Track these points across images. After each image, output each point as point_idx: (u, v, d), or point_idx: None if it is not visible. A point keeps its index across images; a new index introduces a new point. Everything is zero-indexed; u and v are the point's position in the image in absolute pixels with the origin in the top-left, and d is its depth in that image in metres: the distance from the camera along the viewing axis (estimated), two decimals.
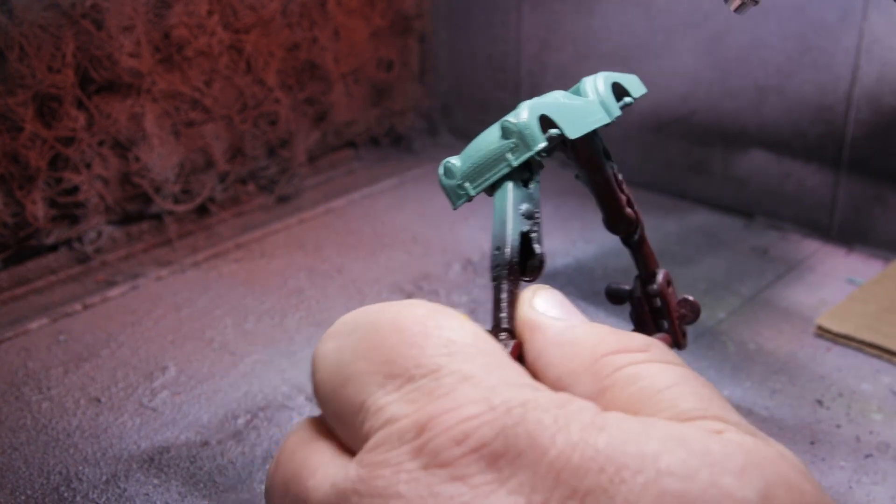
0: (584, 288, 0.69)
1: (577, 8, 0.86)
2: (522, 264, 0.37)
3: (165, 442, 0.52)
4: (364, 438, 0.27)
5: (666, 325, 0.47)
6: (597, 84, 0.42)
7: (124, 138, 0.72)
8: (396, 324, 0.29)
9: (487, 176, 0.37)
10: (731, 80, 0.79)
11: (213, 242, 0.77)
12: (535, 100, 0.38)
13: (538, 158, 0.37)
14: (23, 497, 0.48)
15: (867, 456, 0.51)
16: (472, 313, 0.66)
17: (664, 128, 0.84)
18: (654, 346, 0.30)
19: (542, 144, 0.36)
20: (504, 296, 0.34)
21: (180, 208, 0.77)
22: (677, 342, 0.46)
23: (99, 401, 0.56)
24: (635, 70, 0.86)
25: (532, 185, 0.37)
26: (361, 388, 0.28)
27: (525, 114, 0.37)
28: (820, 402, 0.56)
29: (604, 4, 0.84)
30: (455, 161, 0.38)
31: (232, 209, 0.82)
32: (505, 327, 0.33)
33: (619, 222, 0.45)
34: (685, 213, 0.82)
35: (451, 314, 0.29)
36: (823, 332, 0.62)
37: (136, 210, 0.75)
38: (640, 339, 0.30)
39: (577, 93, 0.43)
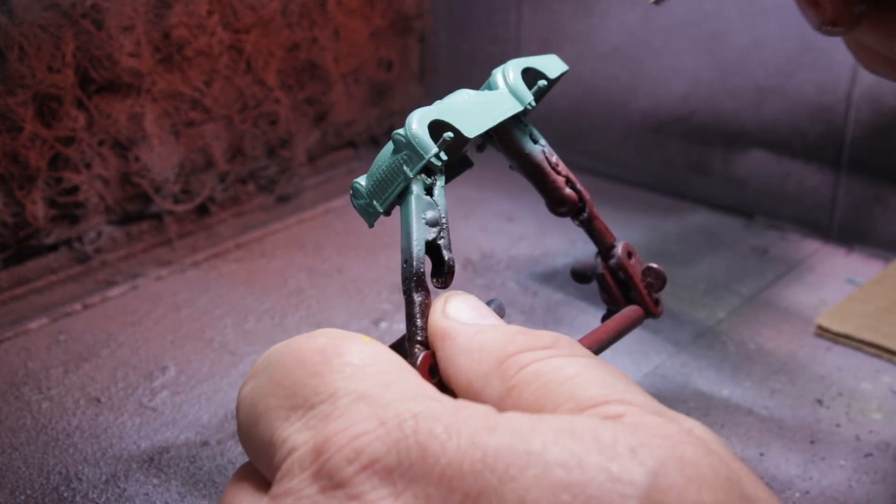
0: (584, 288, 0.69)
1: (576, 8, 0.86)
2: (437, 272, 0.37)
3: (165, 442, 0.52)
4: (275, 472, 0.27)
5: (635, 296, 0.47)
6: (506, 73, 0.42)
7: (124, 138, 0.72)
8: (299, 357, 0.29)
9: (389, 190, 0.38)
10: (730, 79, 0.79)
11: (213, 242, 0.77)
12: (428, 107, 0.38)
13: (438, 164, 0.37)
14: (22, 497, 0.48)
15: (867, 455, 0.51)
16: None
17: (664, 128, 0.84)
18: (560, 342, 0.30)
19: (434, 150, 0.37)
20: (416, 308, 0.35)
21: (180, 208, 0.77)
22: (650, 312, 0.46)
23: (99, 401, 0.56)
24: (635, 70, 0.87)
25: (436, 191, 0.38)
26: (269, 424, 0.28)
27: (414, 124, 0.37)
28: (820, 402, 0.56)
29: (603, 4, 0.84)
30: (361, 181, 0.39)
31: (232, 209, 0.82)
32: (418, 339, 0.34)
33: (561, 204, 0.45)
34: (685, 213, 0.82)
35: (352, 338, 0.30)
36: (823, 332, 0.62)
37: (136, 210, 0.75)
38: (547, 336, 0.30)
39: (490, 86, 0.43)
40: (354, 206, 0.39)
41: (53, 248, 0.71)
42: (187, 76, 0.75)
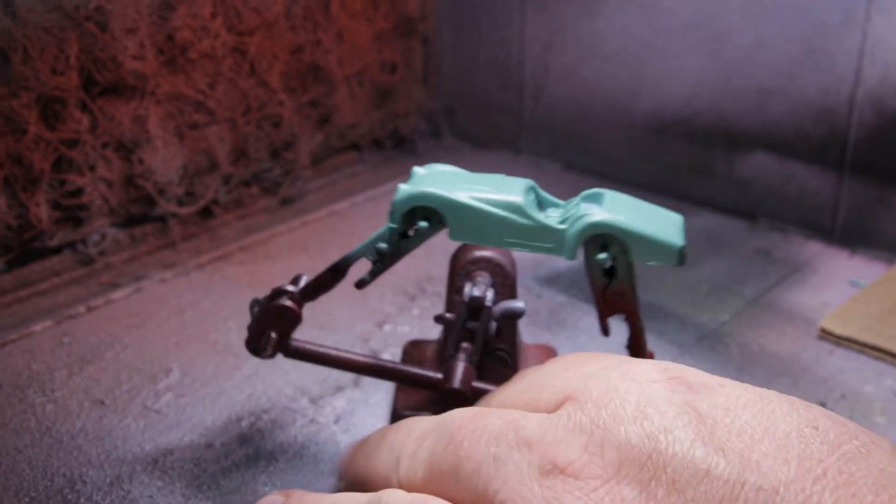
0: (587, 290, 0.69)
1: (580, 10, 0.86)
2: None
3: (169, 444, 0.52)
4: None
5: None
6: (578, 218, 0.39)
7: (128, 140, 0.72)
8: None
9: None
10: (734, 81, 0.79)
11: (217, 245, 0.78)
12: (439, 186, 0.41)
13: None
14: (27, 499, 0.48)
15: None
16: None
17: (667, 129, 0.84)
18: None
19: (395, 227, 0.42)
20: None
21: (184, 210, 0.77)
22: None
23: (103, 403, 0.56)
24: (638, 71, 0.87)
25: (412, 236, 0.42)
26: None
27: (420, 191, 0.41)
28: (823, 405, 0.56)
29: (607, 6, 0.84)
30: (416, 176, 0.44)
31: (235, 211, 0.82)
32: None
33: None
34: (688, 214, 0.82)
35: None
36: (826, 335, 0.62)
37: (140, 212, 0.75)
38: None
39: (574, 202, 0.41)
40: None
41: (57, 250, 0.71)
42: (191, 78, 0.75)
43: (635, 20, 0.83)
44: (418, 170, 0.45)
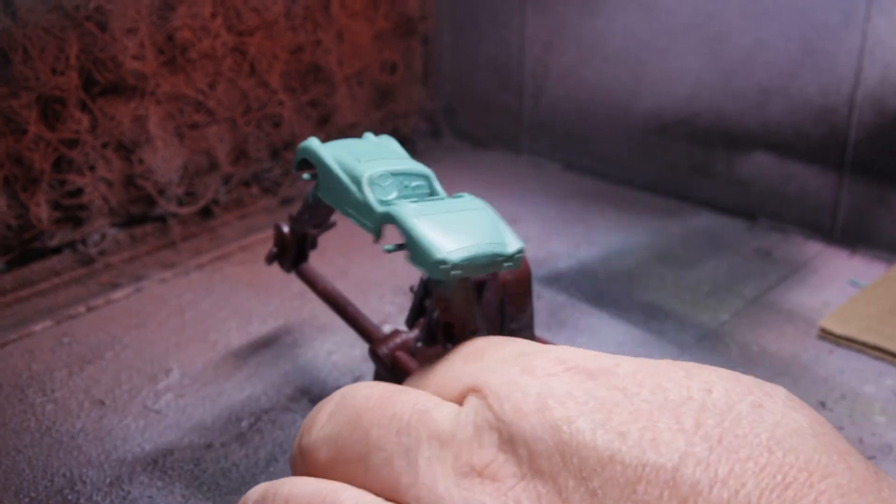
0: (587, 290, 0.69)
1: (580, 10, 0.86)
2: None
3: (169, 444, 0.52)
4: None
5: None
6: (387, 205, 0.39)
7: (128, 140, 0.72)
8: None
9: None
10: (734, 81, 0.79)
11: (217, 245, 0.78)
12: (344, 150, 0.42)
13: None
14: (27, 499, 0.48)
15: (870, 458, 0.51)
16: None
17: (667, 129, 0.84)
18: None
19: (294, 170, 0.44)
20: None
21: (184, 210, 0.77)
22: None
23: (103, 403, 0.56)
24: (638, 72, 0.87)
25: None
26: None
27: (309, 143, 0.42)
28: (823, 405, 0.56)
29: (607, 6, 0.84)
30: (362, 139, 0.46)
31: (236, 211, 0.82)
32: None
33: None
34: (688, 215, 0.82)
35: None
36: (826, 335, 0.62)
37: (140, 212, 0.75)
38: None
39: (432, 191, 0.42)
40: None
41: (57, 250, 0.71)
42: (191, 78, 0.75)
43: (635, 20, 0.83)
44: (368, 135, 0.47)
